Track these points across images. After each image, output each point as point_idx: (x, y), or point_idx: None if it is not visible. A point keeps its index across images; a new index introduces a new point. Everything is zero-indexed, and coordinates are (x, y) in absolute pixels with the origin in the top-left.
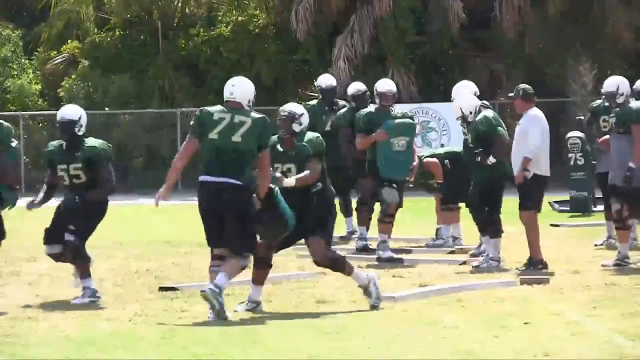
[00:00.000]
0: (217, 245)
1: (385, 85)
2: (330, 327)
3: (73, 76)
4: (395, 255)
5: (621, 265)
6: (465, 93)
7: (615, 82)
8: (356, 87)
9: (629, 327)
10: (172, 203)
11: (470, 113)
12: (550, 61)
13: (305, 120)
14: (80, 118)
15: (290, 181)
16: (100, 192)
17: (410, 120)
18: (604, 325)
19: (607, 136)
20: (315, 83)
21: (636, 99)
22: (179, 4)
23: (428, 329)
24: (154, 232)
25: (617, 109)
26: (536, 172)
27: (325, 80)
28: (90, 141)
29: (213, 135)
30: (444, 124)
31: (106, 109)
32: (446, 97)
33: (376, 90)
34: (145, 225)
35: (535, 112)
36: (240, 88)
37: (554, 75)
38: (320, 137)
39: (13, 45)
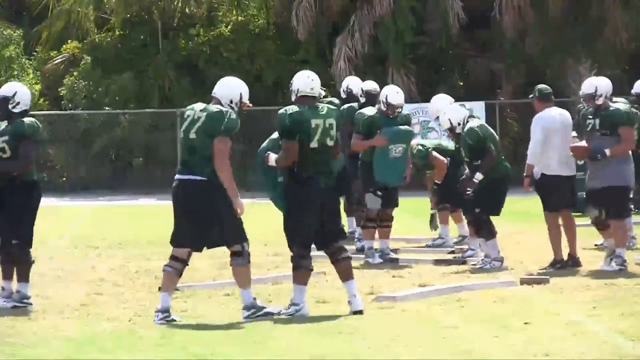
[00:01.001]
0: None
1: (397, 98)
2: (330, 327)
3: (75, 73)
4: (381, 260)
5: (622, 270)
6: (453, 105)
7: (592, 84)
8: (373, 85)
9: (629, 327)
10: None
11: (459, 124)
12: (550, 61)
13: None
14: (15, 94)
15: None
16: (10, 164)
17: (409, 128)
18: (604, 325)
19: (582, 143)
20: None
21: (630, 101)
22: (179, 4)
23: (428, 329)
24: (154, 232)
25: (603, 111)
26: (546, 172)
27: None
28: (25, 119)
29: (181, 133)
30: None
31: (107, 108)
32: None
33: (386, 98)
34: (145, 225)
35: (542, 113)
36: (222, 86)
37: (554, 75)
38: None
39: (15, 45)
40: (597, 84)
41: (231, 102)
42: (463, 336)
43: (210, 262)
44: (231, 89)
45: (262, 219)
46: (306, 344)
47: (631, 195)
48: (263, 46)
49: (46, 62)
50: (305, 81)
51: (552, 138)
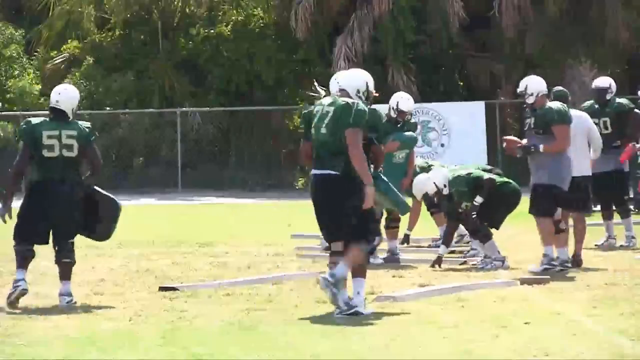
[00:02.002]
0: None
1: (409, 104)
2: (330, 327)
3: (77, 74)
4: (382, 261)
5: (548, 269)
6: (430, 173)
7: (523, 82)
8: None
9: (629, 327)
10: (172, 203)
11: (445, 185)
12: (550, 61)
13: None
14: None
15: None
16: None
17: (414, 135)
18: (604, 325)
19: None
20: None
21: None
22: (179, 4)
23: (428, 329)
24: (154, 232)
25: (538, 110)
26: None
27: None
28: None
29: (312, 129)
30: (444, 123)
31: (107, 108)
32: (446, 97)
33: (397, 105)
34: (145, 225)
35: None
36: (347, 77)
37: (554, 75)
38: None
39: (17, 45)
40: (528, 83)
41: (358, 92)
42: (463, 336)
43: (210, 262)
44: (356, 79)
45: (262, 219)
46: (306, 343)
47: (631, 195)
48: (263, 46)
49: (46, 62)
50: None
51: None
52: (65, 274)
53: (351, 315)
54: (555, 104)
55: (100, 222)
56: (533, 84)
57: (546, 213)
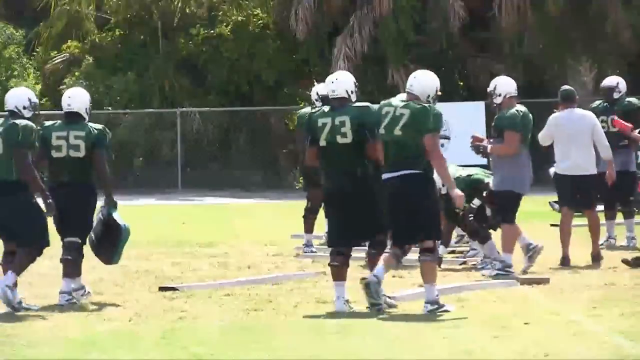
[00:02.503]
0: None
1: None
2: (330, 327)
3: (77, 74)
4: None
5: (501, 275)
6: None
7: (492, 82)
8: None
9: (629, 327)
10: (172, 203)
11: (443, 185)
12: (550, 61)
13: None
14: None
15: None
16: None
17: None
18: (604, 325)
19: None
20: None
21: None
22: (179, 4)
23: (428, 329)
24: (153, 232)
25: (499, 113)
26: (556, 171)
27: None
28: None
29: (382, 129)
30: (444, 123)
31: (107, 108)
32: (446, 97)
33: None
34: (145, 225)
35: (554, 116)
36: (418, 82)
37: (554, 75)
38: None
39: (17, 45)
40: (497, 83)
41: (429, 97)
42: (463, 336)
43: (210, 262)
44: (428, 85)
45: (262, 219)
46: (306, 343)
47: (632, 198)
48: (263, 46)
49: (46, 62)
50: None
51: (557, 139)
52: (65, 271)
53: (436, 311)
54: (514, 109)
55: (103, 246)
56: (502, 85)
57: (509, 220)
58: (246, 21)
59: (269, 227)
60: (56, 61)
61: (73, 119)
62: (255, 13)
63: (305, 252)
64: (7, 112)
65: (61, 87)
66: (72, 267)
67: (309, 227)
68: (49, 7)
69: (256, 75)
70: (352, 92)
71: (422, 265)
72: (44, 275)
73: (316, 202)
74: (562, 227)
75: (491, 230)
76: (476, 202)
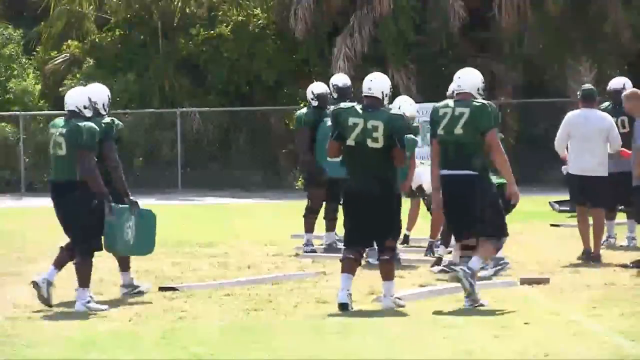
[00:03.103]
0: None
1: (412, 109)
2: (330, 327)
3: (77, 75)
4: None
5: (446, 271)
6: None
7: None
8: (343, 80)
9: (629, 327)
10: (172, 203)
11: None
12: (550, 61)
13: None
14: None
15: None
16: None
17: (415, 138)
18: (604, 325)
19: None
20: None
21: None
22: (179, 4)
23: (428, 329)
24: None
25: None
26: (569, 170)
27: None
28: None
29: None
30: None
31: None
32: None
33: (399, 109)
34: None
35: (571, 113)
36: (466, 79)
37: (554, 75)
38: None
39: (16, 45)
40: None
41: (478, 90)
42: (463, 336)
43: (210, 262)
44: (474, 79)
45: (262, 219)
46: (305, 343)
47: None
48: (263, 46)
49: (46, 62)
50: None
51: (576, 139)
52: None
53: (476, 307)
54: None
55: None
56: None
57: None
58: (246, 21)
59: (269, 227)
60: (56, 61)
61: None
62: (255, 13)
63: (306, 252)
64: (67, 113)
65: (61, 87)
66: (78, 271)
67: (309, 227)
68: (49, 7)
69: (256, 75)
70: (386, 95)
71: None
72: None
73: (317, 202)
74: (579, 225)
75: None
76: None
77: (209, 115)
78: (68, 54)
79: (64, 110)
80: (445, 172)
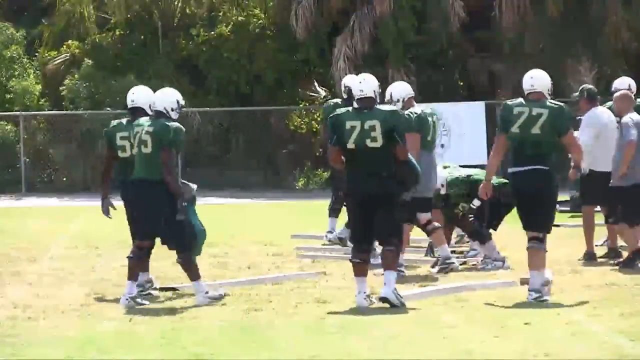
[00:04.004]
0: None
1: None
2: (330, 327)
3: (76, 76)
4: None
5: (444, 268)
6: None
7: (388, 90)
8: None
9: (629, 327)
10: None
11: (442, 186)
12: (550, 61)
13: None
14: None
15: None
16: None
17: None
18: (604, 325)
19: None
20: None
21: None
22: (179, 4)
23: (428, 329)
24: None
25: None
26: (593, 169)
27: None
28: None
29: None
30: (444, 123)
31: (107, 109)
32: (446, 97)
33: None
34: None
35: (593, 112)
36: (538, 79)
37: (554, 75)
38: None
39: (17, 45)
40: (391, 90)
41: (548, 90)
42: (463, 336)
43: (210, 262)
44: (546, 79)
45: (262, 219)
46: (305, 343)
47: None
48: (263, 46)
49: (47, 62)
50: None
51: (604, 137)
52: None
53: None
54: (408, 111)
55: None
56: (397, 91)
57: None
58: (246, 21)
59: (269, 227)
60: (57, 61)
61: (139, 114)
62: (255, 13)
63: (331, 239)
64: (153, 113)
65: (62, 87)
66: (129, 267)
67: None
68: (50, 7)
69: (256, 75)
70: (377, 94)
71: (530, 252)
72: (44, 275)
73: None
74: (584, 225)
75: (491, 230)
76: (476, 202)
77: (209, 116)
78: (68, 54)
79: (63, 110)
80: (518, 168)
